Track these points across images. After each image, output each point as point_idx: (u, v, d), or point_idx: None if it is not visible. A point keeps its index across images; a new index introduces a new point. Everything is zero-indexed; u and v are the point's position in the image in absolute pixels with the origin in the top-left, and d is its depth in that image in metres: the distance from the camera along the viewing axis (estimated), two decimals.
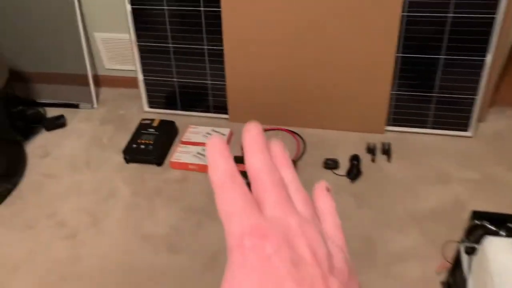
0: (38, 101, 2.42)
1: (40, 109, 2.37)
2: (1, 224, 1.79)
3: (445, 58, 1.83)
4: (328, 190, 0.32)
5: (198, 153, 1.96)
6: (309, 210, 0.29)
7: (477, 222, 1.21)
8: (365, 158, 1.92)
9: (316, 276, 0.24)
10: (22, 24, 2.32)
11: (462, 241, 1.27)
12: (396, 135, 2.03)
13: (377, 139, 2.01)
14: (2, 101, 2.10)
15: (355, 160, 1.88)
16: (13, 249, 1.69)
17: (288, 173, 0.30)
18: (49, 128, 2.24)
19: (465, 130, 1.97)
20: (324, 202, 0.31)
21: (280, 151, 0.31)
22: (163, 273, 1.57)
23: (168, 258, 1.61)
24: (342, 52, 1.90)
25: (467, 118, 1.94)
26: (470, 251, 1.26)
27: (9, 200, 1.90)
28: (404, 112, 2.00)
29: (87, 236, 1.71)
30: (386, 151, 1.93)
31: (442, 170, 1.84)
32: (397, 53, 1.86)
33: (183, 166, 1.93)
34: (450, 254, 1.40)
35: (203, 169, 1.91)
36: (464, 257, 1.29)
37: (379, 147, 1.96)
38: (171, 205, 1.80)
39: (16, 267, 1.62)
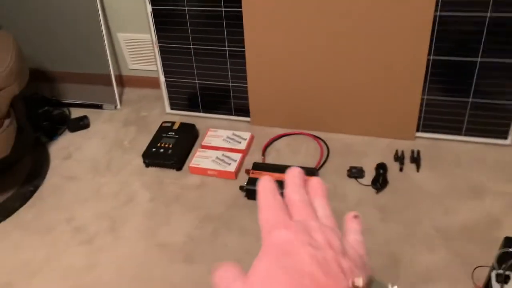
0: (63, 101, 2.43)
1: (65, 109, 2.38)
2: (22, 226, 1.81)
3: (481, 61, 1.69)
4: (356, 216, 0.37)
5: (217, 158, 1.90)
6: (331, 224, 0.34)
7: (509, 249, 1.10)
8: (392, 166, 1.81)
9: (329, 255, 0.29)
10: (47, 24, 2.33)
11: (493, 268, 1.16)
12: (427, 142, 1.91)
13: (406, 146, 1.89)
14: (25, 102, 2.12)
15: (381, 168, 1.78)
16: (32, 253, 1.69)
17: (320, 201, 0.36)
18: (72, 129, 2.25)
19: (504, 138, 1.82)
20: (351, 223, 0.37)
21: (318, 184, 0.38)
22: (178, 284, 1.53)
23: (184, 268, 1.57)
24: (370, 53, 1.79)
25: (506, 125, 1.80)
26: (502, 280, 1.15)
27: (30, 202, 1.92)
28: (436, 118, 1.87)
29: (104, 243, 1.70)
30: (415, 160, 1.81)
31: (476, 182, 1.71)
32: (429, 56, 1.73)
33: (202, 172, 1.89)
34: (481, 278, 1.29)
35: (221, 174, 1.86)
36: (495, 285, 1.18)
37: (408, 155, 1.84)
38: (189, 212, 1.76)
39: (34, 272, 1.63)
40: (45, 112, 2.31)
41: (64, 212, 1.84)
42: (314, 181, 0.38)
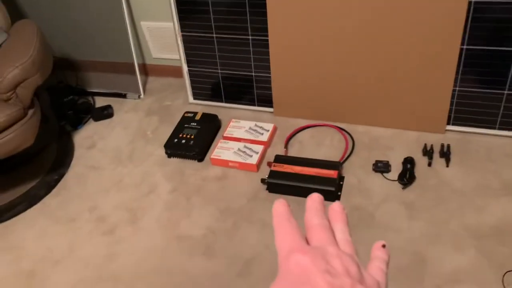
0: (88, 90, 2.44)
1: (89, 98, 2.39)
2: (46, 215, 1.83)
3: None
4: (383, 246, 0.37)
5: (239, 149, 1.87)
6: (349, 250, 0.34)
7: None
8: (420, 161, 1.74)
9: (346, 283, 0.29)
10: (71, 13, 2.33)
11: None
12: (457, 135, 1.82)
13: (435, 139, 1.81)
14: (50, 91, 2.13)
15: (408, 163, 1.71)
16: (56, 242, 1.72)
17: (340, 226, 0.37)
18: (96, 119, 2.26)
19: None
20: (378, 252, 0.37)
21: (339, 208, 0.38)
22: (196, 278, 1.52)
23: (202, 262, 1.56)
24: (399, 42, 1.71)
25: None
26: None
27: (55, 190, 1.94)
28: (468, 111, 1.78)
29: (125, 234, 1.70)
30: (445, 154, 1.73)
31: (509, 179, 1.63)
32: (462, 45, 1.64)
33: (223, 163, 1.86)
34: None
35: (243, 167, 1.83)
36: None
37: (437, 150, 1.77)
38: (209, 204, 1.74)
39: (57, 261, 1.65)
40: (70, 101, 2.33)
41: (87, 202, 1.86)
42: (335, 205, 0.38)
